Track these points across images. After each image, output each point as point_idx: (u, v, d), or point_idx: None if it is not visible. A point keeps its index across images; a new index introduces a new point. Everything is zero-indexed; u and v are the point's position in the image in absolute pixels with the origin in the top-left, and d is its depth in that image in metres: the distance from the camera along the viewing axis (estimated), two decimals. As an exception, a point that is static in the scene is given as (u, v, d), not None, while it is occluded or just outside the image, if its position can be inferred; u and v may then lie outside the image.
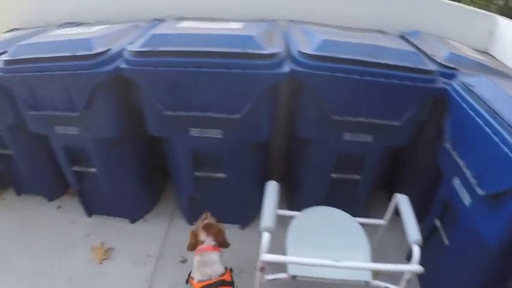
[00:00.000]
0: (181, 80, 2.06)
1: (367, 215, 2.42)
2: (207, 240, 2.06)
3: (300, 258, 1.78)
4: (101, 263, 2.75)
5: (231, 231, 2.73)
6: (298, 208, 2.25)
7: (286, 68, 1.98)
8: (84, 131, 2.49)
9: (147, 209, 3.14)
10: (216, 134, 2.28)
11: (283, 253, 1.92)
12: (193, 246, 2.10)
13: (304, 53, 1.98)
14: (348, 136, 2.27)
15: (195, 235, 2.11)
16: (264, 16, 2.61)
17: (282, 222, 2.05)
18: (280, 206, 2.09)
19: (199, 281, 1.96)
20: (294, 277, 1.87)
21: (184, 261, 2.65)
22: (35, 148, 3.05)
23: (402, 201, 1.97)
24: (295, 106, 2.35)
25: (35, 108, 2.46)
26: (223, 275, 1.98)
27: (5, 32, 3.28)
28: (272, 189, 1.99)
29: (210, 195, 2.64)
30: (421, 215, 1.95)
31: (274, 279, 1.92)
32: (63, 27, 2.96)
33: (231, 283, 2.02)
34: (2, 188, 3.59)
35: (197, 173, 2.56)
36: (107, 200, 2.97)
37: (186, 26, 2.31)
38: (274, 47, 2.03)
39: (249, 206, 2.78)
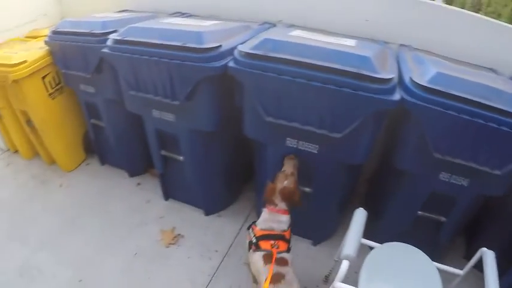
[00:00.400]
0: (288, 90, 2.00)
1: (442, 258, 2.28)
2: (280, 204, 2.09)
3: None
4: (167, 247, 2.80)
5: (302, 246, 2.71)
6: (375, 237, 2.14)
7: (397, 95, 1.86)
8: (180, 120, 2.52)
9: (224, 205, 3.14)
10: (312, 148, 2.21)
11: (352, 280, 1.83)
12: (269, 196, 2.12)
13: (417, 83, 1.85)
14: (443, 176, 2.11)
15: (271, 193, 2.11)
16: (375, 36, 2.50)
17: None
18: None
19: (262, 229, 2.06)
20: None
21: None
22: (127, 125, 3.17)
23: (488, 258, 1.80)
24: (396, 135, 2.22)
25: (136, 89, 2.53)
26: (285, 231, 2.05)
27: (117, 11, 3.42)
28: (359, 218, 1.91)
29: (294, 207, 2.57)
30: (499, 270, 1.79)
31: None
32: (174, 16, 3.02)
33: (289, 241, 2.06)
34: (89, 155, 3.80)
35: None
36: (187, 188, 3.00)
37: (299, 35, 2.24)
38: (388, 72, 1.91)
39: (326, 224, 2.72)
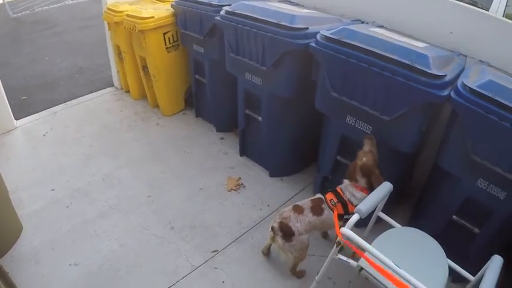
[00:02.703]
0: (352, 71, 2.33)
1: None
2: (361, 181, 2.34)
3: (375, 251, 1.81)
4: (228, 191, 3.30)
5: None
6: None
7: (445, 92, 2.07)
8: (264, 84, 3.01)
9: (287, 172, 3.50)
10: (366, 128, 2.50)
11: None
12: (350, 176, 2.38)
13: (466, 84, 2.04)
14: (481, 183, 2.15)
15: (354, 168, 2.36)
16: (456, 49, 2.68)
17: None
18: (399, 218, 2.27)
19: (339, 187, 2.40)
20: (360, 269, 1.97)
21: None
22: (223, 85, 3.74)
23: (495, 263, 1.81)
24: (444, 135, 2.39)
25: (235, 53, 3.08)
26: (351, 204, 2.31)
27: None
28: (384, 188, 2.13)
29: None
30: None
31: (342, 261, 2.07)
32: (281, 2, 3.50)
33: (346, 213, 2.31)
34: (187, 107, 4.50)
35: (338, 157, 2.82)
36: (259, 149, 3.50)
37: (377, 31, 2.55)
38: (442, 71, 2.12)
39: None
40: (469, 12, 2.71)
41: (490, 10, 5.21)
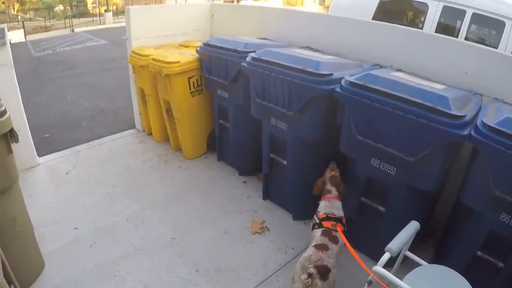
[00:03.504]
0: (377, 115, 2.55)
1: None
2: (333, 190, 2.83)
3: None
4: (253, 234, 3.47)
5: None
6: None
7: (465, 131, 2.28)
8: (290, 128, 3.24)
9: (311, 215, 3.53)
10: (390, 170, 2.70)
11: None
12: (319, 191, 2.92)
13: (485, 123, 2.25)
14: (504, 217, 2.30)
15: (323, 183, 2.91)
16: (472, 88, 2.92)
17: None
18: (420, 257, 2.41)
19: (325, 213, 2.70)
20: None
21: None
22: (247, 130, 3.98)
23: None
24: (466, 171, 2.56)
25: (261, 98, 3.34)
26: (342, 217, 2.70)
27: (258, 38, 4.41)
28: (411, 227, 2.29)
29: (367, 223, 3.04)
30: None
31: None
32: (303, 48, 3.80)
33: (344, 226, 2.67)
34: (209, 151, 4.77)
35: (363, 199, 3.00)
36: (283, 191, 3.70)
37: (397, 75, 2.82)
38: (462, 112, 2.34)
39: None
40: (482, 52, 3.04)
41: (498, 47, 5.56)
